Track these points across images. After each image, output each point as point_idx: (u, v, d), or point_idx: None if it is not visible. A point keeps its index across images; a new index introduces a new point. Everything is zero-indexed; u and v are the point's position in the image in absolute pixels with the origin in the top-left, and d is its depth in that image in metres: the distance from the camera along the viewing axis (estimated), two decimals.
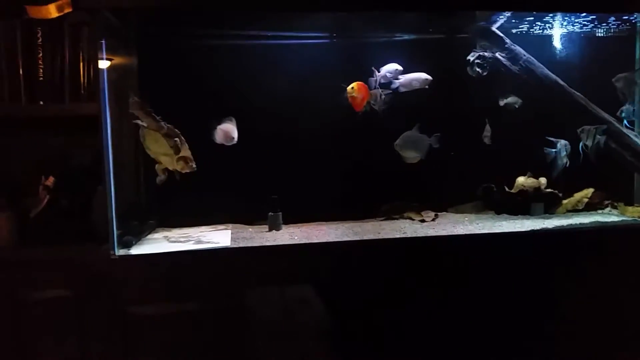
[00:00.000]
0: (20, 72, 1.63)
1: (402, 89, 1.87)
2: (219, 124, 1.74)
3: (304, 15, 1.69)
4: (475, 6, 1.66)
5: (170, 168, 1.64)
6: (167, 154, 1.62)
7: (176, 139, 1.61)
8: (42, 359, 1.54)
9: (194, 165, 1.65)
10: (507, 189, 1.93)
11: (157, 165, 1.66)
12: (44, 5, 1.63)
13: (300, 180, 1.89)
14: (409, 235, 1.63)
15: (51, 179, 1.65)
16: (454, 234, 1.65)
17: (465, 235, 1.64)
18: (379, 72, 1.85)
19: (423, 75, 1.88)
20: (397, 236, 1.62)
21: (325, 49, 1.91)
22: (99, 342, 1.53)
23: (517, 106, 1.93)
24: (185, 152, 1.63)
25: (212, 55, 1.86)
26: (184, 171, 1.65)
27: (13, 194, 1.67)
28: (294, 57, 1.87)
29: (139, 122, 1.61)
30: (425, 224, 1.80)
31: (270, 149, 1.85)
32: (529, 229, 1.71)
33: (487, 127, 1.93)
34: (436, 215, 1.87)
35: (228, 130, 1.72)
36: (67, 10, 1.64)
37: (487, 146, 1.92)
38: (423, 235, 1.63)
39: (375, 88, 1.84)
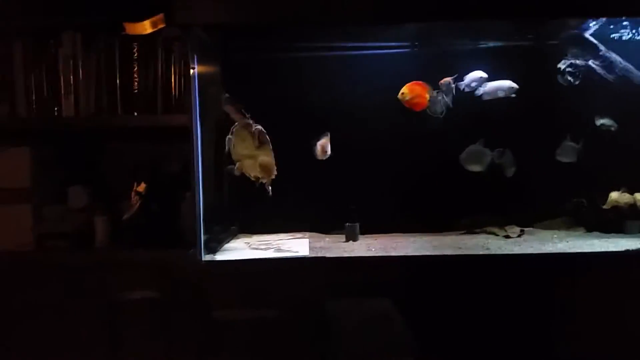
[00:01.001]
0: (118, 85, 1.75)
1: (487, 97, 1.82)
2: (318, 140, 1.79)
3: (385, 26, 1.69)
4: (567, 13, 1.58)
5: (252, 175, 1.68)
6: (251, 157, 1.66)
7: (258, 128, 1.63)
8: (130, 356, 1.63)
9: (274, 174, 1.68)
10: (599, 205, 1.82)
11: (237, 164, 1.67)
12: (140, 22, 1.75)
13: (378, 190, 1.89)
14: (493, 252, 1.56)
15: (143, 185, 1.75)
16: (542, 252, 1.57)
17: (554, 254, 1.55)
18: (462, 79, 1.81)
19: (509, 83, 1.82)
20: (480, 253, 1.56)
21: (408, 58, 1.89)
22: (183, 343, 1.60)
23: (612, 129, 1.83)
24: (270, 157, 1.66)
25: (293, 66, 1.89)
26: (263, 180, 1.69)
27: (109, 198, 1.80)
28: (375, 67, 1.87)
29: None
30: (510, 240, 1.73)
31: (348, 159, 1.85)
32: (623, 248, 1.59)
33: (566, 142, 1.83)
34: (522, 231, 1.78)
35: (323, 145, 1.78)
36: (161, 26, 1.74)
37: (578, 160, 1.82)
38: (508, 252, 1.56)
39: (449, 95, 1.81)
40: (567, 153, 1.84)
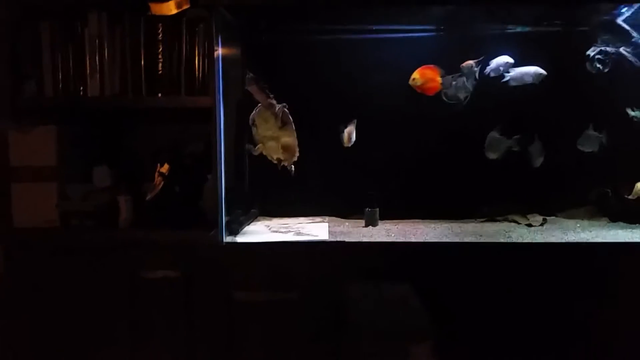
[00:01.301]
0: (142, 66, 1.76)
1: (513, 83, 1.78)
2: (345, 126, 1.79)
3: (413, 8, 1.67)
4: None
5: (274, 157, 1.69)
6: (274, 138, 1.66)
7: (282, 109, 1.63)
8: (151, 334, 1.66)
9: (292, 168, 1.69)
10: (624, 195, 1.78)
11: (259, 145, 1.68)
12: (165, 2, 1.75)
13: (398, 176, 1.88)
14: (514, 240, 1.55)
15: (166, 166, 1.77)
16: (564, 241, 1.55)
17: (577, 243, 1.53)
18: (488, 64, 1.77)
19: (536, 70, 1.78)
20: (502, 240, 1.55)
21: (434, 42, 1.86)
22: (203, 323, 1.63)
23: None
24: (292, 138, 1.66)
25: (317, 48, 1.87)
26: (286, 162, 1.69)
27: (132, 178, 1.82)
28: (400, 51, 1.84)
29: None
30: (532, 228, 1.71)
31: (368, 144, 1.84)
32: None
33: (588, 132, 1.79)
34: (544, 220, 1.76)
35: (349, 132, 1.78)
36: (185, 6, 1.75)
37: (601, 149, 1.78)
38: (530, 241, 1.55)
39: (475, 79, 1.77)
40: (588, 142, 1.80)
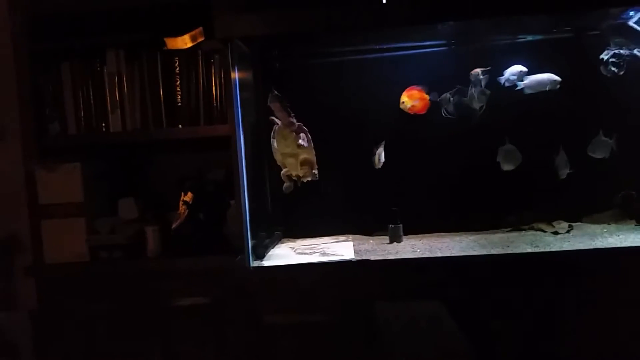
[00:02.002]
0: (162, 99, 1.81)
1: (528, 91, 1.79)
2: (377, 149, 1.83)
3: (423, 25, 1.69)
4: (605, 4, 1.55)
5: (294, 174, 1.70)
6: (293, 156, 1.68)
7: (302, 135, 1.65)
8: None
9: (316, 173, 1.70)
10: None
11: (282, 172, 1.72)
12: (180, 36, 1.80)
13: (419, 189, 1.88)
14: (542, 250, 1.54)
15: (190, 195, 1.79)
16: (592, 247, 1.53)
17: (607, 249, 1.51)
18: (502, 74, 1.79)
19: (551, 76, 1.78)
20: (529, 250, 1.54)
21: (446, 56, 1.87)
22: (234, 348, 1.64)
23: None
24: (311, 155, 1.69)
25: (331, 70, 1.90)
26: (305, 179, 1.71)
27: (158, 209, 1.86)
28: (413, 67, 1.86)
29: (274, 119, 1.68)
30: (559, 236, 1.69)
31: (388, 159, 1.85)
32: None
33: (598, 138, 1.78)
34: (570, 226, 1.75)
35: (379, 154, 1.83)
36: (200, 39, 1.79)
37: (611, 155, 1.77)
38: (558, 249, 1.53)
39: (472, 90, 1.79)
40: (599, 149, 1.78)
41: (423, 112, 1.83)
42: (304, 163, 1.68)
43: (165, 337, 1.73)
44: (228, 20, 1.48)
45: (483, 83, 1.79)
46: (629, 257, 1.51)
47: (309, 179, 1.71)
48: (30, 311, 1.97)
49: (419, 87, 1.82)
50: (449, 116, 1.82)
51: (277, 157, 1.71)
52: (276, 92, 1.63)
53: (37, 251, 1.77)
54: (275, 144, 1.70)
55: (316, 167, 1.70)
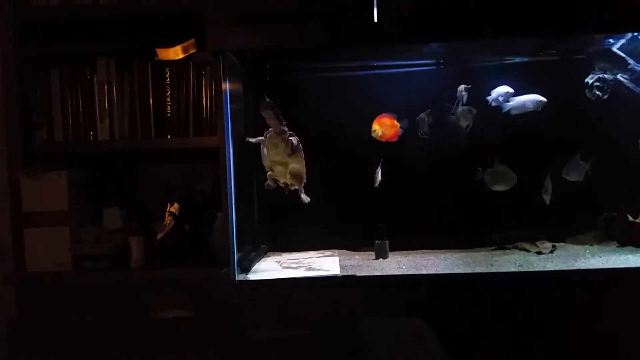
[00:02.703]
0: (151, 109, 1.81)
1: (514, 112, 1.81)
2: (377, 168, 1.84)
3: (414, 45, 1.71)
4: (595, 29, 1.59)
5: (281, 181, 1.70)
6: (282, 164, 1.68)
7: (291, 138, 1.66)
8: None
9: (306, 198, 1.70)
10: (630, 218, 1.79)
11: (268, 174, 1.71)
12: (172, 47, 1.80)
13: (406, 205, 1.89)
14: (526, 269, 1.55)
15: (176, 206, 1.79)
16: (575, 268, 1.55)
17: (589, 270, 1.53)
18: (489, 94, 1.81)
19: (536, 97, 1.81)
20: (513, 270, 1.56)
21: (434, 76, 1.90)
22: None
23: None
24: (300, 165, 1.68)
25: (321, 86, 1.91)
26: (293, 188, 1.71)
27: (143, 219, 1.84)
28: (401, 86, 1.88)
29: (250, 140, 1.70)
30: (542, 255, 1.71)
31: (374, 175, 1.86)
32: None
33: (574, 160, 1.81)
34: (554, 247, 1.77)
35: (376, 173, 1.83)
36: (192, 51, 1.80)
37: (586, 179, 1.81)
38: (541, 269, 1.55)
39: (454, 111, 1.82)
40: (573, 171, 1.81)
41: (394, 140, 1.83)
42: (293, 174, 1.68)
43: (147, 350, 1.71)
44: (220, 33, 1.48)
45: (464, 99, 1.81)
46: (611, 278, 1.53)
47: (296, 187, 1.70)
48: (8, 320, 1.94)
49: (389, 115, 1.83)
50: (425, 136, 1.84)
51: (266, 163, 1.71)
52: (268, 100, 1.64)
53: (19, 259, 1.75)
54: (265, 151, 1.70)
55: (305, 179, 1.70)
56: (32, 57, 1.82)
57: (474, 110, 1.82)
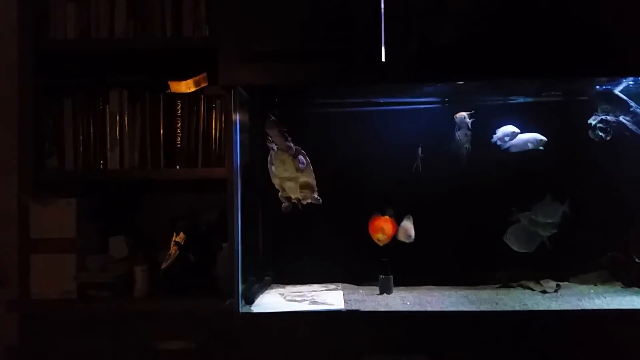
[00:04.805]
0: (161, 140, 1.84)
1: (514, 150, 1.84)
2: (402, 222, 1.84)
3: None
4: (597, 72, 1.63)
5: (293, 197, 1.71)
6: (292, 179, 1.69)
7: (301, 158, 1.67)
8: None
9: (318, 197, 1.71)
10: (636, 259, 1.79)
11: (280, 194, 1.72)
12: (184, 80, 1.84)
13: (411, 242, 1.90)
14: (530, 309, 1.55)
15: (182, 235, 1.80)
16: (579, 308, 1.55)
17: (594, 310, 1.54)
18: (494, 132, 1.84)
19: (537, 136, 1.84)
20: (517, 309, 1.55)
21: (439, 114, 1.92)
22: None
23: None
24: (310, 178, 1.69)
25: (327, 121, 1.95)
26: (305, 202, 1.71)
27: (149, 248, 1.85)
28: (405, 123, 1.92)
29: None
30: (546, 295, 1.71)
31: (378, 211, 1.87)
32: None
33: (545, 202, 1.81)
34: (558, 286, 1.76)
35: (407, 229, 1.82)
36: (204, 84, 1.84)
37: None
38: (546, 308, 1.55)
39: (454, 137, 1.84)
40: (548, 212, 1.80)
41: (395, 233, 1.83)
42: (303, 186, 1.68)
43: None
44: (232, 69, 1.52)
45: (469, 125, 1.83)
46: (615, 319, 1.53)
47: (309, 201, 1.71)
48: (8, 347, 1.93)
49: (384, 218, 1.82)
50: (419, 171, 1.87)
51: (275, 181, 1.72)
52: (273, 118, 1.67)
53: (23, 285, 1.75)
54: (273, 169, 1.71)
55: (316, 190, 1.71)
56: (47, 87, 1.85)
57: (469, 133, 1.84)
